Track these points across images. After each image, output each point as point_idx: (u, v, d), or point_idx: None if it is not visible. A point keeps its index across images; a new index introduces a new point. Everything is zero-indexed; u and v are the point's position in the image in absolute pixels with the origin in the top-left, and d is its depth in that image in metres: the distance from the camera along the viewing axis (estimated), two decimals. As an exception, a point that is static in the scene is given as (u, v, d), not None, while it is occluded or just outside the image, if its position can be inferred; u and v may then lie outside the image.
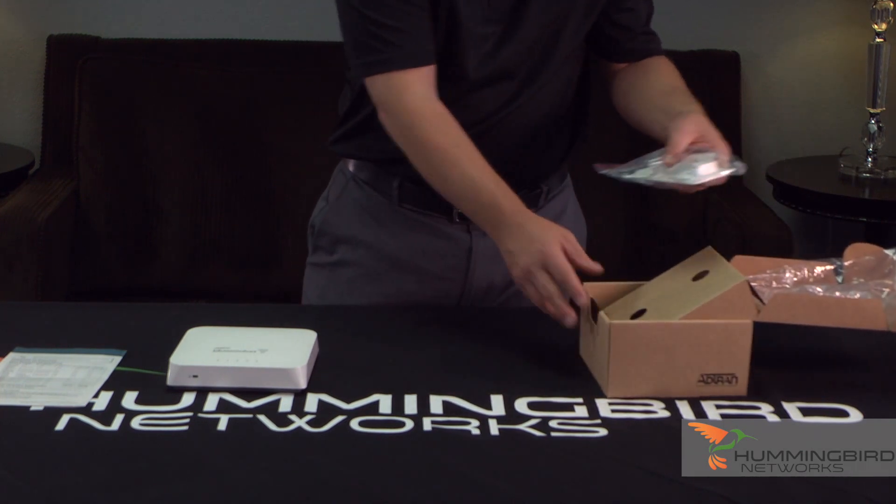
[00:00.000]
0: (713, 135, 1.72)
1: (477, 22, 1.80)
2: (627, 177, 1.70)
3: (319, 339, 1.69)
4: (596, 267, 1.67)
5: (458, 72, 1.82)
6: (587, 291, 1.69)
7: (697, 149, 1.70)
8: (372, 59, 1.78)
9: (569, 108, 1.94)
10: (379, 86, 1.80)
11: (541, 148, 1.93)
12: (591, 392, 1.60)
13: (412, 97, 1.78)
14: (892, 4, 3.44)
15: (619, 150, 3.43)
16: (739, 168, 1.69)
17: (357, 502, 1.33)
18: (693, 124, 1.71)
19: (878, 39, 3.45)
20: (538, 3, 1.81)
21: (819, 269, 1.72)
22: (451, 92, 1.81)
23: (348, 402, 1.56)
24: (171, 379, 1.58)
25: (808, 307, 1.61)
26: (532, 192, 1.93)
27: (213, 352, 1.61)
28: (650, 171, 1.69)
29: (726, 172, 1.69)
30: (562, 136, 1.95)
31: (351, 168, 1.98)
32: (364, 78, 1.82)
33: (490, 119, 1.87)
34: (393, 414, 1.53)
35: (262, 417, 1.51)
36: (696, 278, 1.65)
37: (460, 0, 1.78)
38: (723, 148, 1.70)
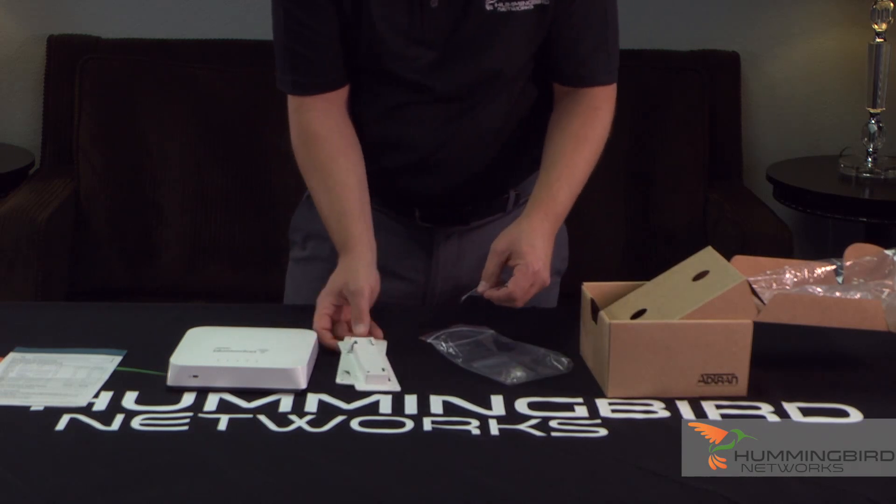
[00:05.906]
0: (524, 248, 1.75)
1: (402, 42, 1.83)
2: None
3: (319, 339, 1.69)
4: (377, 332, 1.75)
5: (410, 82, 1.86)
6: (588, 291, 1.69)
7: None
8: (285, 77, 1.91)
9: (527, 121, 1.94)
10: (288, 101, 1.93)
11: (506, 157, 1.94)
12: (591, 392, 1.60)
13: (311, 118, 1.89)
14: (892, 4, 3.44)
15: (618, 150, 3.44)
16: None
17: (357, 502, 1.33)
18: (501, 245, 1.77)
19: (878, 39, 3.44)
20: (470, 48, 1.84)
21: (819, 270, 1.72)
22: (401, 99, 1.88)
23: (348, 402, 1.56)
24: (172, 379, 1.58)
25: (809, 307, 1.61)
26: (500, 197, 1.99)
27: (213, 352, 1.61)
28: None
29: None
30: (527, 147, 1.95)
31: None
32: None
33: (439, 133, 1.89)
34: (393, 414, 1.53)
35: (262, 417, 1.51)
36: (696, 278, 1.65)
37: (381, 24, 1.82)
38: (532, 259, 1.74)
